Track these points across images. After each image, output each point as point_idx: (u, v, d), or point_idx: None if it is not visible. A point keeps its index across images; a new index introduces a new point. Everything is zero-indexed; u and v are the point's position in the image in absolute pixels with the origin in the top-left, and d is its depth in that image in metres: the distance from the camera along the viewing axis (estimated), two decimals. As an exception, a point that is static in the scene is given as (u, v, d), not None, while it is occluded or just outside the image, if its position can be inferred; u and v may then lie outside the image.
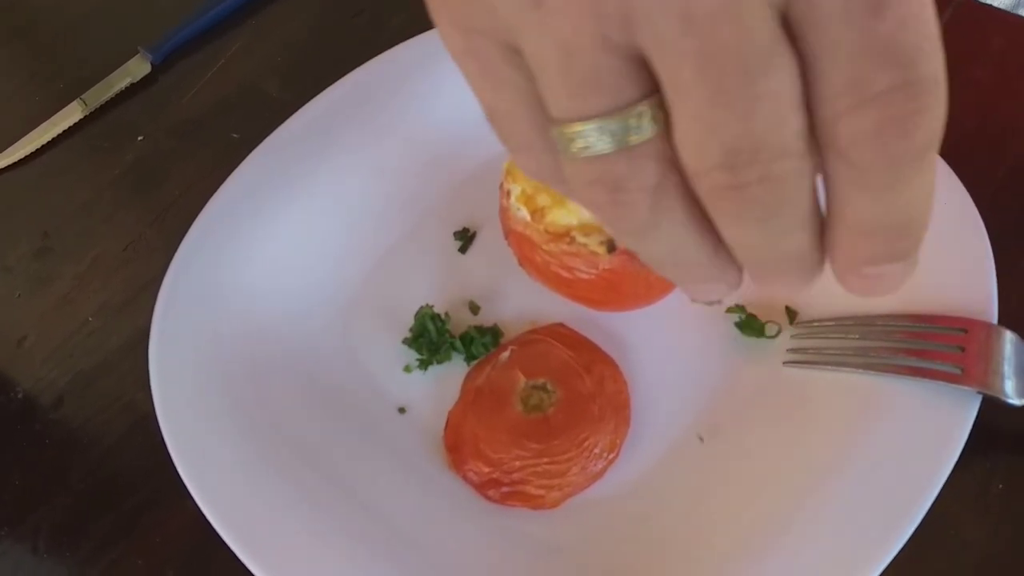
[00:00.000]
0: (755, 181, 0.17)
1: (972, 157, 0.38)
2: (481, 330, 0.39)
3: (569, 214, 0.34)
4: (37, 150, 0.50)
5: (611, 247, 0.34)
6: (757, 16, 0.16)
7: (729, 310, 0.38)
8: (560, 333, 0.38)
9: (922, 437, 0.31)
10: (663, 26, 0.16)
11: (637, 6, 0.16)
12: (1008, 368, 0.32)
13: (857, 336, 0.35)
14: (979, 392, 0.32)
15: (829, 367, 0.34)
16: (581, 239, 0.34)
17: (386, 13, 0.52)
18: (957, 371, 0.32)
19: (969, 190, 0.36)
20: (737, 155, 0.17)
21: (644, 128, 0.17)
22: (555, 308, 0.39)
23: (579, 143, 0.18)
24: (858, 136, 0.17)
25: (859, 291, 0.20)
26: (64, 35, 0.56)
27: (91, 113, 0.51)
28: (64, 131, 0.51)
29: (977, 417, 0.31)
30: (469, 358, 0.38)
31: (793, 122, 0.17)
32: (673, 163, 0.18)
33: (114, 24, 0.56)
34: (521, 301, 0.40)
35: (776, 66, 0.16)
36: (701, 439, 0.35)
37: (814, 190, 0.18)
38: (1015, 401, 0.31)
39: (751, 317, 0.37)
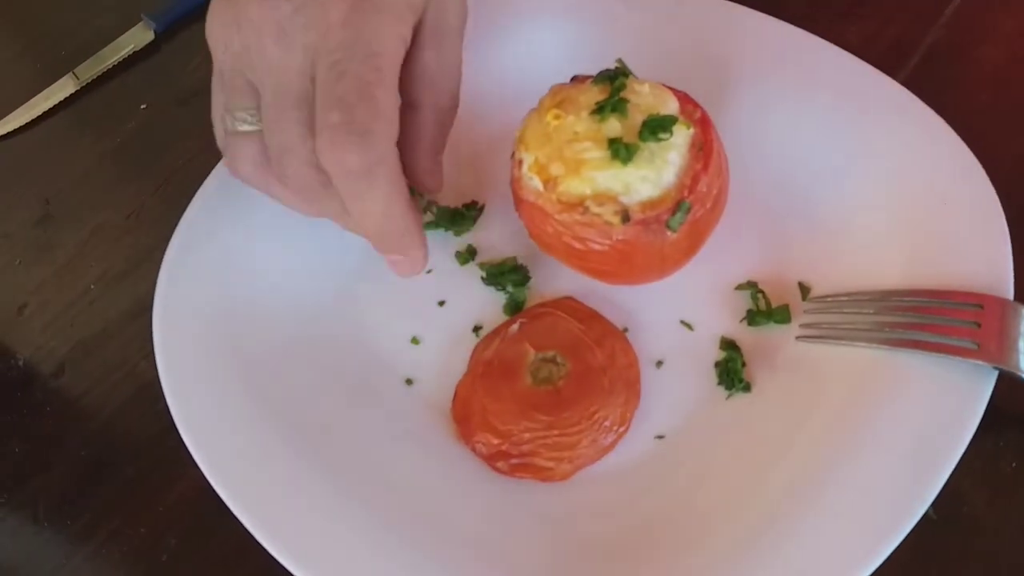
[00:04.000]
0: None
1: (986, 134, 0.37)
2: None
3: (583, 183, 0.33)
4: (38, 117, 0.49)
5: (625, 217, 0.33)
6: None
7: (739, 287, 0.37)
8: (570, 306, 0.38)
9: (937, 413, 0.31)
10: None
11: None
12: (1024, 344, 0.31)
13: (872, 311, 0.34)
14: (995, 368, 0.31)
15: (843, 342, 0.34)
16: (595, 209, 0.33)
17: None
18: (973, 346, 0.32)
19: (984, 167, 0.36)
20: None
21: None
22: (563, 282, 0.38)
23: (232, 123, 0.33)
24: (320, 149, 0.30)
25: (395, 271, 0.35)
26: (66, 2, 0.55)
27: (93, 80, 0.50)
28: (67, 98, 0.50)
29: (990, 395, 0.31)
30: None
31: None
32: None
33: (117, -9, 0.55)
34: (529, 274, 0.39)
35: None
36: (711, 415, 0.35)
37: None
38: (1031, 377, 0.31)
39: (760, 293, 0.37)
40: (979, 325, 0.32)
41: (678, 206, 0.33)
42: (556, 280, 0.39)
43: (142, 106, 0.49)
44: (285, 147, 0.31)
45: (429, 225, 0.41)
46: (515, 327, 0.37)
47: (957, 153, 0.36)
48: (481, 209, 0.42)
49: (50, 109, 0.50)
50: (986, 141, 0.37)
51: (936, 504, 0.30)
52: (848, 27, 0.44)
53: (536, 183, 0.34)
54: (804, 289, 0.37)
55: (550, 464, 0.34)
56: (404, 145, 0.33)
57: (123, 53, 0.51)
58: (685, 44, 0.41)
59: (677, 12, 0.42)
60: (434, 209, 0.41)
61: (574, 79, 0.36)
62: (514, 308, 0.38)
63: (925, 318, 0.33)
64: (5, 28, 0.55)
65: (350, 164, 0.29)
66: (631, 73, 0.35)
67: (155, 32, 0.51)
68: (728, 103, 0.39)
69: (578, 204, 0.33)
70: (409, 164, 0.34)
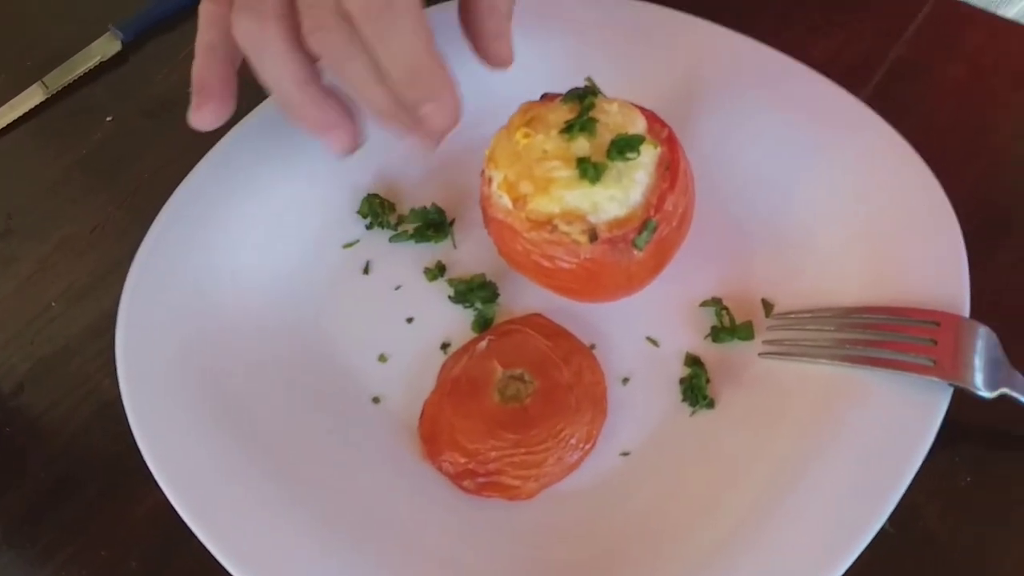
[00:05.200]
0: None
1: (947, 153, 0.38)
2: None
3: (552, 202, 0.33)
4: (3, 128, 0.48)
5: (593, 236, 0.33)
6: None
7: (704, 304, 0.38)
8: (537, 323, 0.38)
9: (894, 428, 0.32)
10: None
11: None
12: (979, 361, 0.32)
13: (832, 328, 0.35)
14: (950, 384, 0.32)
15: (805, 359, 0.35)
16: (563, 228, 0.33)
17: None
18: (929, 363, 0.32)
19: (944, 185, 0.37)
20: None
21: None
22: (532, 299, 0.39)
23: None
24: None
25: (425, 142, 0.33)
26: (32, 12, 0.54)
27: (59, 92, 0.49)
28: (31, 110, 0.49)
29: (946, 410, 0.32)
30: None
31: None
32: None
33: (84, 0, 0.54)
34: (498, 291, 0.39)
35: None
36: (675, 431, 0.35)
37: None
38: (985, 393, 0.32)
39: (724, 310, 0.37)
40: (935, 342, 0.33)
41: (644, 225, 0.34)
42: (525, 297, 0.39)
43: (108, 118, 0.48)
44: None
45: (402, 236, 0.41)
46: (483, 344, 0.37)
47: (916, 171, 0.37)
48: (451, 225, 0.42)
49: (14, 121, 0.49)
50: (947, 159, 0.37)
51: (892, 518, 0.30)
52: (815, 43, 0.45)
53: (505, 201, 0.34)
54: (767, 306, 0.37)
55: (516, 482, 0.34)
56: (467, 8, 0.33)
57: (90, 63, 0.50)
58: (653, 60, 0.41)
59: (646, 28, 0.42)
60: (407, 222, 0.41)
61: (544, 97, 0.36)
62: (483, 325, 0.38)
63: (884, 335, 0.34)
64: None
65: (372, 7, 0.29)
66: (600, 92, 0.35)
67: (122, 42, 0.51)
68: (694, 120, 0.40)
69: (547, 222, 0.34)
70: (475, 29, 0.34)
